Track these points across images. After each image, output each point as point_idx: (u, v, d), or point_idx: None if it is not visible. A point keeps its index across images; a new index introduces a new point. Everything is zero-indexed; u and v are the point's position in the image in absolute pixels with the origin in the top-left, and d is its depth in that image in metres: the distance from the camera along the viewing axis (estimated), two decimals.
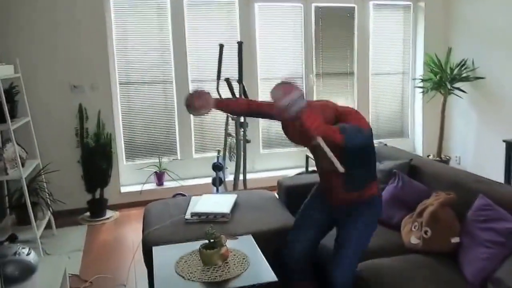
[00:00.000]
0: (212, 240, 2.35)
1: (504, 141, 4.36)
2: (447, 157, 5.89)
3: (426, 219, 2.53)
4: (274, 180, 4.81)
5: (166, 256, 2.50)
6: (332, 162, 2.01)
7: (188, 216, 3.04)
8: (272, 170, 5.58)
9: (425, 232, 2.51)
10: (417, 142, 6.18)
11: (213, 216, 3.00)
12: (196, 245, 2.55)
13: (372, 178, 2.44)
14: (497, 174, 4.73)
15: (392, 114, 6.13)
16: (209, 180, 5.04)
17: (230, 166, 4.72)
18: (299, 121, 1.98)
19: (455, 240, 2.45)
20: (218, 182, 4.48)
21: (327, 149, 2.01)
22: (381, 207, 2.48)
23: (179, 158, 5.34)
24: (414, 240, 2.53)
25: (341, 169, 2.03)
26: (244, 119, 4.30)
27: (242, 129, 4.33)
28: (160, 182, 5.17)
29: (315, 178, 3.71)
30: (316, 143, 2.01)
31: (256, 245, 2.59)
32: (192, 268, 2.33)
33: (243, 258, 2.42)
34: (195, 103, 2.44)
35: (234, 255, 2.45)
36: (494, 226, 2.29)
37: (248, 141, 4.41)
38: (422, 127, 6.07)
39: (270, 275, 2.25)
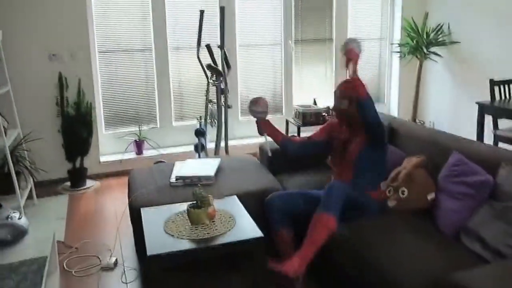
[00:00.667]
0: (199, 200, 2.42)
1: (477, 103, 4.50)
2: (421, 122, 6.04)
3: (401, 180, 2.64)
4: (253, 147, 4.89)
5: (154, 217, 2.56)
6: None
7: (173, 179, 3.09)
8: (251, 137, 5.61)
9: (402, 193, 2.61)
10: (393, 107, 6.30)
11: (198, 179, 3.06)
12: (182, 206, 2.62)
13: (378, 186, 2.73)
14: (470, 137, 4.87)
15: (369, 79, 6.21)
16: (188, 148, 5.07)
17: (210, 134, 4.75)
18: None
19: (431, 196, 2.57)
20: (200, 148, 4.52)
21: None
22: (375, 211, 2.69)
23: (158, 126, 5.34)
24: (391, 203, 2.63)
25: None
26: (226, 85, 4.32)
27: (223, 95, 4.36)
28: (139, 151, 5.17)
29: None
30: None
31: (241, 205, 2.68)
32: (180, 227, 2.41)
33: (229, 217, 2.50)
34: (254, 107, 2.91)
35: (221, 214, 2.54)
36: (466, 180, 2.41)
37: (229, 107, 4.44)
38: (398, 92, 6.18)
39: (255, 231, 2.35)
